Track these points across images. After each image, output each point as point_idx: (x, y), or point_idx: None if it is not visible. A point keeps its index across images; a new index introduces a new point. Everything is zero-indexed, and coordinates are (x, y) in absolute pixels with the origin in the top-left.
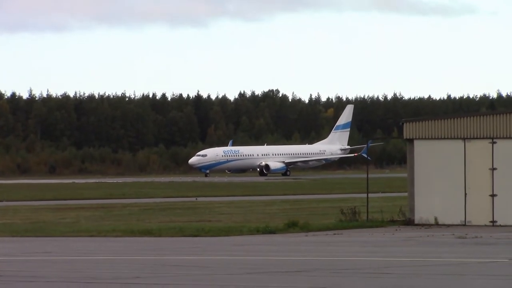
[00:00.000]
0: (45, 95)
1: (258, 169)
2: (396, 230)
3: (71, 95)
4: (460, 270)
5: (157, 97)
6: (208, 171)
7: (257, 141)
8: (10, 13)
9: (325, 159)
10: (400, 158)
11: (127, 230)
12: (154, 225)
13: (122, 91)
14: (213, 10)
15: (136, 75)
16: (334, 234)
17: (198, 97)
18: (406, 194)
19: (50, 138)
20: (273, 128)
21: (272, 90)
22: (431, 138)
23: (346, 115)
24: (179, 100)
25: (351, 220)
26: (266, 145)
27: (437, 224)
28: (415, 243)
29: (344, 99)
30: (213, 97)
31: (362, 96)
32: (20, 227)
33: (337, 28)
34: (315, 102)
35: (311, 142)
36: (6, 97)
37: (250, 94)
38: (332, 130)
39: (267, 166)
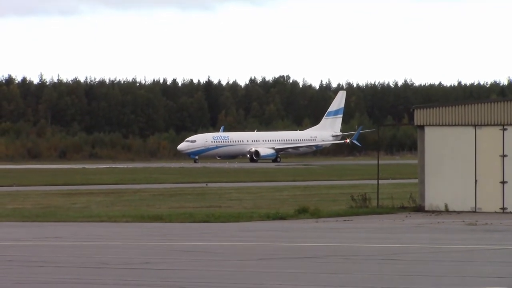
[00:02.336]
0: (55, 80)
1: (248, 155)
2: (407, 216)
3: (82, 80)
4: (470, 256)
5: (167, 83)
6: (197, 157)
7: (267, 127)
8: None
9: (315, 146)
10: (410, 144)
11: (137, 215)
12: (165, 210)
13: (133, 77)
14: None
15: (146, 60)
16: (345, 220)
17: (209, 82)
18: (416, 180)
19: (61, 123)
20: (283, 114)
21: (283, 76)
22: (442, 125)
23: (338, 101)
24: (190, 86)
25: (362, 206)
26: (256, 131)
27: (447, 210)
28: (425, 230)
29: (355, 85)
30: (223, 82)
31: (373, 83)
32: (30, 212)
33: (348, 13)
34: (325, 88)
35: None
36: (16, 82)
37: (260, 80)
38: (324, 116)
39: (257, 152)
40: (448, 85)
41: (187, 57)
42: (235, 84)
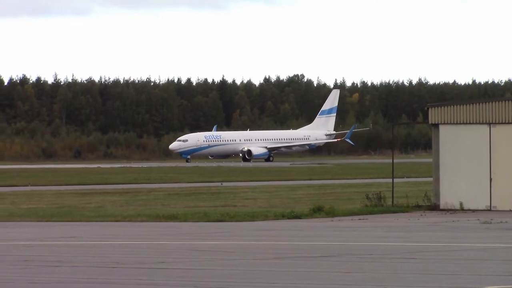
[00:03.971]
0: (70, 80)
1: (240, 155)
2: (421, 215)
3: (96, 79)
4: (485, 255)
5: (182, 82)
6: (189, 157)
7: (282, 126)
8: None
9: (308, 145)
10: (425, 143)
11: (152, 215)
12: (179, 210)
13: (147, 76)
14: None
15: (161, 59)
16: (360, 219)
17: (223, 81)
18: (431, 179)
19: (75, 123)
20: (297, 113)
21: (297, 75)
22: (456, 123)
23: (332, 100)
24: (204, 85)
25: (377, 205)
26: (249, 130)
27: (462, 209)
28: (440, 228)
29: (369, 84)
30: (238, 82)
31: (387, 81)
32: (45, 212)
33: (362, 12)
34: (340, 87)
35: (336, 127)
36: (31, 82)
37: (275, 79)
38: (317, 115)
39: (249, 151)
40: (463, 84)
41: (202, 56)
42: (249, 83)
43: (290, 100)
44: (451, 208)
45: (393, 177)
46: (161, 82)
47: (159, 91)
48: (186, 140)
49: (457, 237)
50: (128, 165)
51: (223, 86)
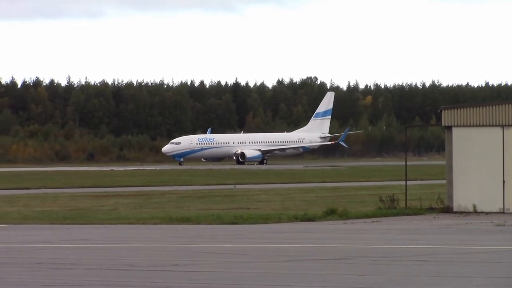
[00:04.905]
0: (83, 82)
1: (234, 157)
2: (435, 217)
3: (109, 82)
4: (499, 257)
5: (195, 85)
6: (182, 160)
7: (295, 129)
8: (46, 1)
9: (302, 147)
10: (438, 145)
11: (165, 217)
12: (193, 212)
13: (161, 78)
14: None
15: (174, 62)
16: (373, 221)
17: (237, 84)
18: (444, 181)
19: (88, 125)
20: (311, 115)
21: (310, 77)
22: (470, 126)
23: (326, 103)
24: (218, 87)
25: (390, 207)
26: (243, 132)
27: (475, 211)
28: (454, 231)
29: (382, 87)
30: (251, 84)
31: (401, 84)
32: (59, 214)
33: (375, 14)
34: (353, 90)
35: (350, 129)
36: (44, 84)
37: (288, 81)
38: (312, 118)
39: (242, 154)
40: (476, 86)
41: (215, 59)
42: (262, 85)
43: (303, 102)
44: (464, 211)
45: (406, 180)
46: (174, 85)
47: (172, 93)
48: (179, 143)
49: (471, 239)
50: (141, 167)
51: (236, 88)
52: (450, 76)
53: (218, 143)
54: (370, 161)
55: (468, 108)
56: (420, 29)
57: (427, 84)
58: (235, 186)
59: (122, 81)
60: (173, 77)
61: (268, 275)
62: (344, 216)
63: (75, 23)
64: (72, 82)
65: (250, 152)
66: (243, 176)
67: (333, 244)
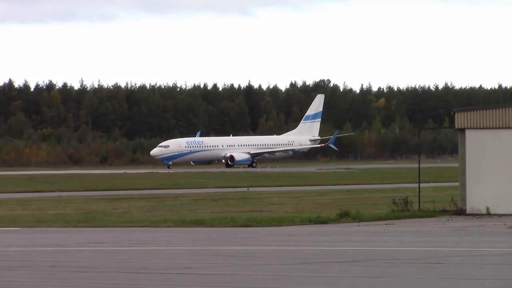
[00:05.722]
0: (96, 86)
1: (223, 160)
2: (448, 220)
3: (122, 85)
4: None
5: (208, 87)
6: (170, 163)
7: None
8: (59, 4)
9: (292, 150)
10: (451, 147)
11: (179, 220)
12: (206, 215)
13: (173, 81)
14: None
15: (187, 65)
16: (386, 224)
17: (250, 87)
18: (457, 184)
19: (102, 128)
20: (324, 118)
21: (323, 80)
22: (483, 128)
23: (316, 105)
24: (231, 90)
25: (403, 210)
26: (232, 135)
27: (488, 214)
28: (467, 233)
29: (396, 89)
30: (264, 87)
31: (413, 86)
32: (72, 217)
33: (387, 17)
34: (366, 92)
35: (362, 132)
36: (57, 87)
37: (301, 84)
38: (302, 121)
39: (231, 157)
40: (489, 88)
41: (228, 62)
42: (275, 88)
43: None
44: (478, 213)
45: (419, 182)
46: (187, 88)
47: (185, 96)
48: (168, 146)
49: (484, 241)
50: (154, 170)
51: (249, 91)
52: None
53: (207, 146)
54: (383, 163)
55: (481, 111)
56: (433, 31)
57: (440, 87)
58: (248, 189)
59: (135, 84)
60: (186, 80)
61: (282, 277)
62: (358, 218)
63: (88, 26)
64: (85, 85)
65: (239, 155)
66: (256, 178)
67: (346, 247)
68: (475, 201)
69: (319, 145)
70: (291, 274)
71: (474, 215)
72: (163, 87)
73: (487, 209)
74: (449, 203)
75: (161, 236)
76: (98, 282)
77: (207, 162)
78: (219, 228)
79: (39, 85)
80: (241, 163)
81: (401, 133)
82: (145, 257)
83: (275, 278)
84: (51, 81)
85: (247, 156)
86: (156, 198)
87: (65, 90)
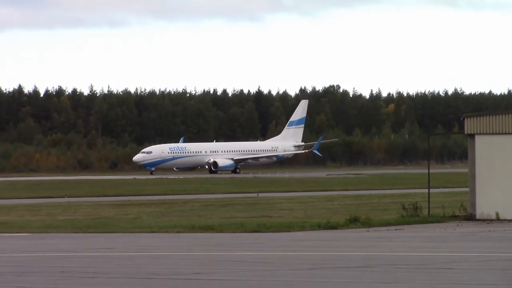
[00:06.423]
0: (105, 91)
1: (206, 166)
2: (458, 225)
3: (132, 91)
4: None
5: (218, 93)
6: (153, 169)
7: (317, 137)
8: (69, 10)
9: (276, 156)
10: (461, 153)
11: (188, 226)
12: (215, 221)
13: (183, 87)
14: (269, 5)
15: (196, 70)
16: (396, 229)
17: (259, 92)
18: (467, 189)
19: (111, 134)
20: (333, 123)
21: (333, 85)
22: (492, 133)
23: (301, 111)
24: (240, 96)
25: (413, 215)
26: (215, 141)
27: (498, 219)
28: (477, 239)
29: (405, 95)
30: (274, 92)
31: (423, 92)
32: (82, 223)
33: (396, 23)
34: (375, 98)
35: (372, 137)
36: (67, 93)
37: (310, 90)
38: (286, 126)
39: (215, 163)
40: (498, 94)
41: (237, 67)
42: (285, 94)
43: (326, 110)
44: (487, 218)
45: (429, 187)
46: (197, 93)
47: (195, 102)
48: (150, 152)
49: (494, 247)
50: (164, 176)
51: (259, 97)
52: (472, 84)
53: (190, 152)
54: (393, 169)
55: (491, 116)
56: (443, 37)
57: (450, 92)
58: (258, 194)
59: (145, 89)
60: (196, 85)
61: (291, 283)
62: (367, 224)
63: (98, 32)
64: (94, 91)
65: (223, 161)
66: (266, 184)
67: (356, 252)
68: (484, 206)
69: (304, 151)
70: (301, 280)
71: (484, 220)
72: (172, 92)
73: (497, 214)
74: (458, 208)
75: (170, 241)
76: (108, 287)
77: (190, 168)
78: (228, 234)
79: (48, 91)
80: (225, 169)
81: (411, 139)
82: (155, 262)
83: (284, 284)
84: (60, 87)
85: (231, 162)
86: (166, 204)
87: (75, 95)
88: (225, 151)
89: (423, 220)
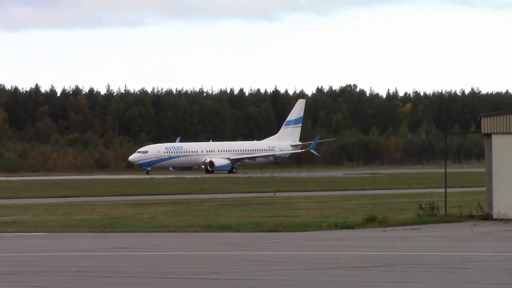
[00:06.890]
0: (122, 91)
1: (203, 166)
2: (475, 225)
3: (149, 90)
4: None
5: (234, 92)
6: (149, 169)
7: (334, 136)
8: (86, 10)
9: (273, 156)
10: (478, 152)
11: (205, 225)
12: (233, 220)
13: (200, 86)
14: (286, 5)
15: (213, 70)
16: (413, 229)
17: (276, 92)
18: (484, 189)
19: (128, 133)
20: (350, 123)
21: (350, 85)
22: (509, 133)
23: (298, 110)
24: (257, 95)
25: (430, 215)
26: (212, 141)
27: None
28: (493, 238)
29: (422, 94)
30: (290, 92)
31: (440, 91)
32: (98, 222)
33: (413, 23)
34: (392, 97)
35: (389, 136)
36: (84, 93)
37: (327, 89)
38: (283, 126)
39: (211, 163)
40: None
41: (254, 67)
42: (302, 93)
43: (343, 110)
44: (504, 218)
45: (446, 187)
46: (213, 93)
47: (211, 101)
48: (146, 152)
49: (510, 246)
50: (181, 175)
51: (276, 96)
52: (489, 83)
53: (187, 152)
54: (409, 168)
55: (508, 116)
56: (460, 36)
57: (467, 92)
58: (275, 194)
59: (162, 89)
60: (213, 85)
61: (308, 282)
62: (384, 223)
63: (115, 31)
64: (111, 90)
65: (219, 161)
66: (282, 183)
67: (372, 252)
68: (501, 206)
69: (300, 151)
70: (318, 279)
71: (501, 220)
72: (189, 92)
73: None
74: (475, 208)
75: (187, 241)
76: (125, 287)
77: (187, 168)
78: (245, 233)
79: (65, 90)
80: (221, 168)
81: (428, 138)
82: (172, 262)
83: (301, 284)
84: (77, 86)
85: (227, 161)
86: (183, 203)
87: (92, 95)
88: (221, 151)
89: (440, 219)
